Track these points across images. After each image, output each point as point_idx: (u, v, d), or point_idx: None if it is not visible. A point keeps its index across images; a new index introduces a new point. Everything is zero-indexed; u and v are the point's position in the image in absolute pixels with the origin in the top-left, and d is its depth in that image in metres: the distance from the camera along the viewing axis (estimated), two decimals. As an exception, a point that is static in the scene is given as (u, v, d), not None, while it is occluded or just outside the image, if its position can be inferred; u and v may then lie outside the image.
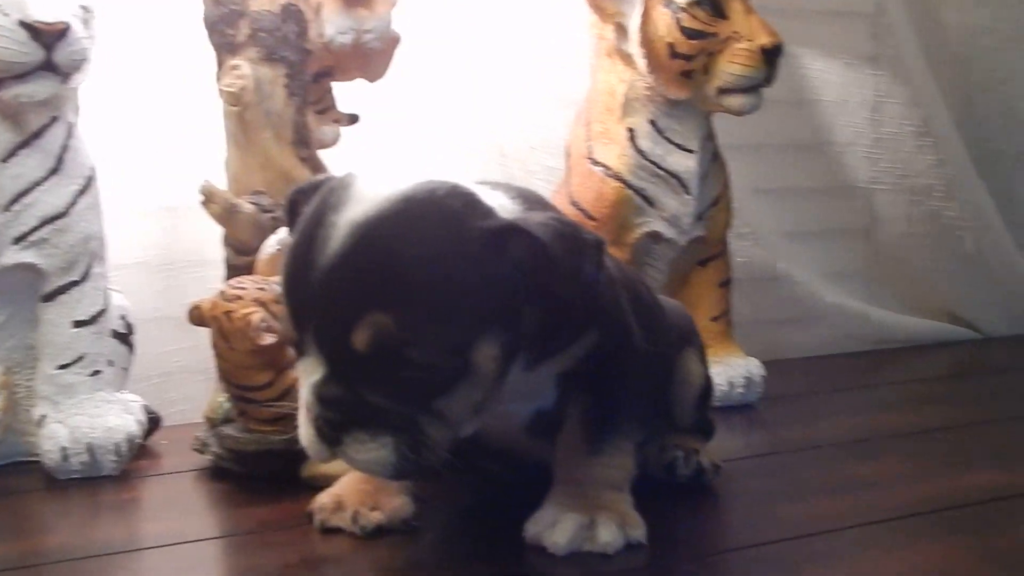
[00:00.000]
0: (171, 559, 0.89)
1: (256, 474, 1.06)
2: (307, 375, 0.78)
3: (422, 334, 0.73)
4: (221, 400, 1.12)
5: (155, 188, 1.41)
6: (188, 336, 1.41)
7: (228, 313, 1.02)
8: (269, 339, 1.02)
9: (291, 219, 0.83)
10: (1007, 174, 1.88)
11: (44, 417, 1.12)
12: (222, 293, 1.04)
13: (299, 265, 0.76)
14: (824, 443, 1.20)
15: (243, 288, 1.04)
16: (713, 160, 1.36)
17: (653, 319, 0.95)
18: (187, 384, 1.43)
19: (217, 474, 1.10)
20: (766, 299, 1.67)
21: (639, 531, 0.87)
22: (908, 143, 1.76)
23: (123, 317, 1.22)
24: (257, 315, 1.01)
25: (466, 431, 0.80)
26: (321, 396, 0.76)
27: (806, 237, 1.77)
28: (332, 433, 0.77)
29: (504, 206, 0.80)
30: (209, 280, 1.42)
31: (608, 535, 0.85)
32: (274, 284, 1.05)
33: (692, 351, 1.04)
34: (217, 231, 1.30)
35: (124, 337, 1.22)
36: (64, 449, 1.09)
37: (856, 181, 1.79)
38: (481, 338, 0.75)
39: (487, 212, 0.77)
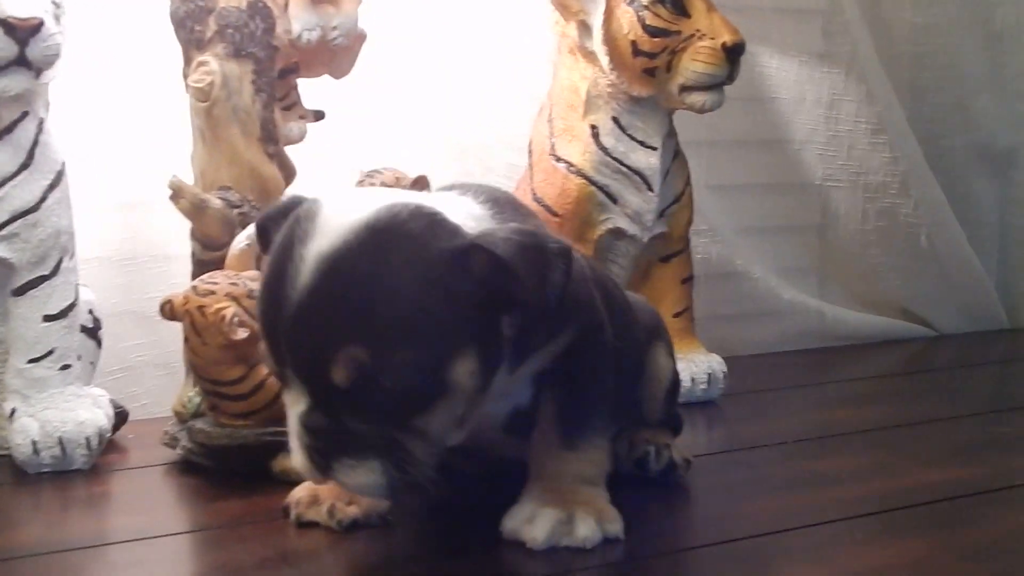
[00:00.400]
0: (145, 553, 0.90)
1: (228, 468, 1.07)
2: (292, 405, 0.80)
3: (396, 362, 0.75)
4: (191, 395, 1.13)
5: (117, 183, 1.41)
6: (150, 331, 1.42)
7: (201, 308, 1.03)
8: (242, 334, 1.02)
9: (263, 244, 0.85)
10: (959, 171, 1.91)
11: (15, 411, 1.12)
12: (194, 288, 1.05)
13: (272, 301, 0.77)
14: (786, 439, 1.23)
15: (215, 283, 1.04)
16: (675, 157, 1.38)
17: (623, 315, 0.97)
18: (150, 378, 1.44)
19: (187, 468, 1.11)
20: (723, 295, 1.70)
21: (616, 526, 0.88)
22: (863, 140, 1.79)
23: (91, 311, 1.22)
24: (230, 310, 1.02)
25: (452, 442, 0.82)
26: (307, 426, 0.79)
27: (762, 233, 1.80)
28: (321, 460, 0.79)
29: (473, 214, 0.82)
30: (172, 275, 1.43)
31: (586, 530, 0.87)
32: (245, 279, 1.06)
33: (661, 346, 1.06)
34: (180, 226, 1.30)
35: (92, 332, 1.22)
36: (35, 443, 1.09)
37: (812, 178, 1.82)
38: (456, 356, 0.77)
39: (451, 231, 0.78)
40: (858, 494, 1.03)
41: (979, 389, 1.58)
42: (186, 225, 1.22)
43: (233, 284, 1.04)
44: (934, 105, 1.90)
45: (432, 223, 0.77)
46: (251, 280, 1.06)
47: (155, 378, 1.44)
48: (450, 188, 0.87)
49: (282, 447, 1.05)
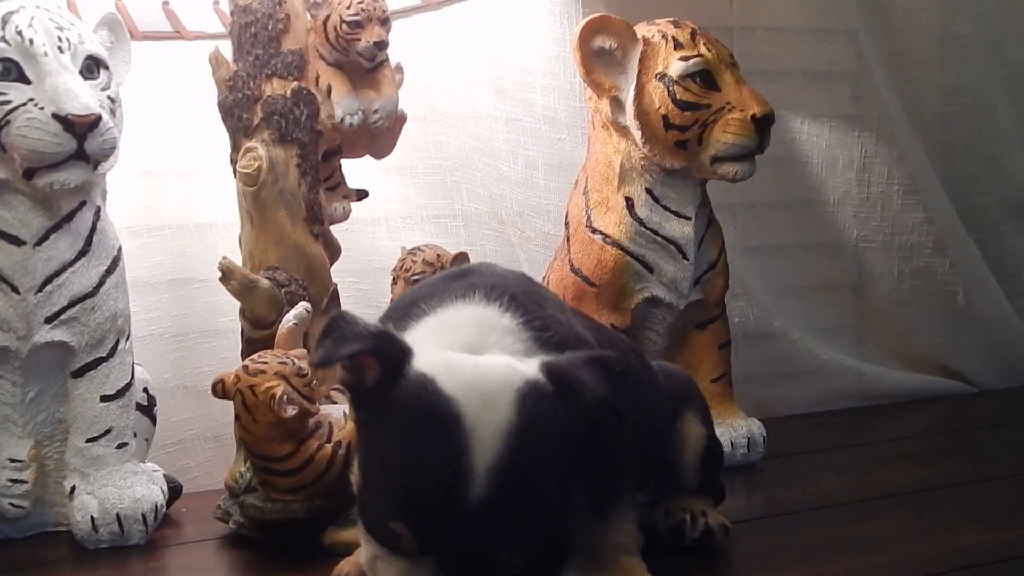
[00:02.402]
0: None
1: (279, 542, 1.10)
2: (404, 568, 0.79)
3: (554, 532, 0.79)
4: (242, 470, 1.16)
5: (169, 263, 1.46)
6: (201, 405, 1.47)
7: (252, 387, 1.07)
8: (291, 412, 1.06)
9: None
10: (993, 228, 1.93)
11: (74, 488, 1.16)
12: (245, 368, 1.08)
13: (445, 506, 0.75)
14: (825, 503, 1.24)
15: (265, 363, 1.08)
16: (709, 225, 1.41)
17: (646, 383, 0.99)
18: (201, 451, 1.48)
19: (240, 542, 1.14)
20: (760, 357, 1.71)
21: (656, 596, 0.91)
22: (896, 201, 1.81)
23: (145, 390, 1.26)
24: (280, 388, 1.06)
25: None
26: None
27: (798, 294, 1.82)
28: None
29: (509, 329, 0.84)
30: (221, 350, 1.48)
31: None
32: (294, 358, 1.09)
33: (692, 413, 1.08)
34: (228, 303, 1.35)
35: (147, 409, 1.26)
36: (94, 520, 1.13)
37: (846, 239, 1.84)
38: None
39: (561, 397, 0.79)
40: (897, 560, 1.04)
41: (1021, 447, 1.58)
42: (234, 302, 1.25)
43: (282, 363, 1.08)
44: (965, 164, 1.92)
45: (550, 402, 0.79)
46: (299, 358, 1.10)
47: (206, 451, 1.48)
48: (467, 280, 0.89)
49: (332, 520, 1.09)
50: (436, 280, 0.93)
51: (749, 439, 1.41)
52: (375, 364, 0.80)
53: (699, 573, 1.02)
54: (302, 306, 1.16)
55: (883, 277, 1.85)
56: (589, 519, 0.91)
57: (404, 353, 0.80)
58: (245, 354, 1.22)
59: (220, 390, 1.09)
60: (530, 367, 0.80)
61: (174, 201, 1.46)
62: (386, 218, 1.55)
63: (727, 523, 1.08)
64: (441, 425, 0.76)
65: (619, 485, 0.93)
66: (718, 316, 1.44)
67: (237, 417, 1.09)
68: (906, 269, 1.84)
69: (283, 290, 1.21)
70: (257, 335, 1.21)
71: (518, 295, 0.87)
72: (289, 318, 1.15)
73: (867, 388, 1.82)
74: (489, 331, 0.85)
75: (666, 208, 1.36)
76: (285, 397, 1.06)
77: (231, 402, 1.11)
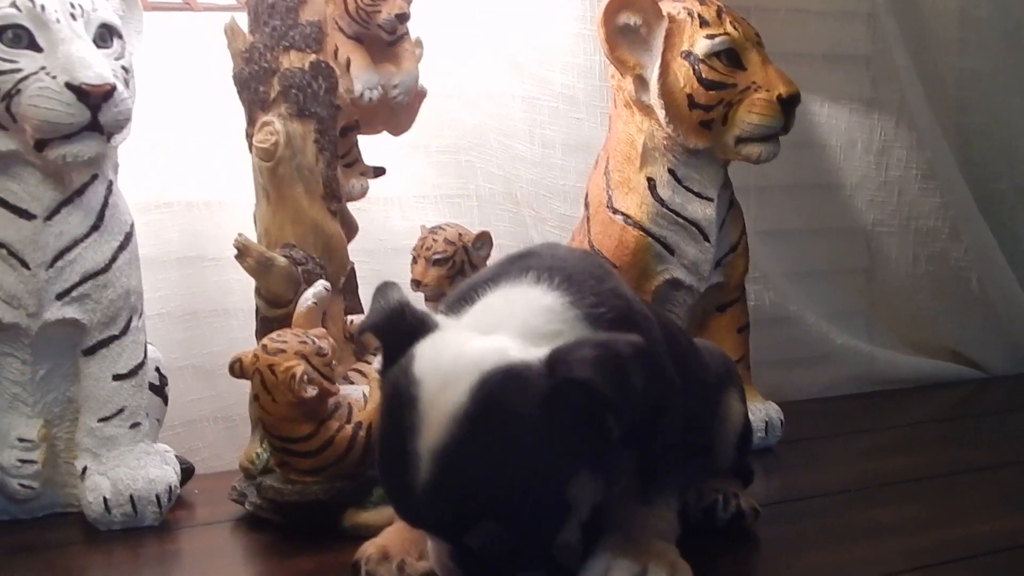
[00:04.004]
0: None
1: (297, 524, 1.08)
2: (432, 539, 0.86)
3: (521, 522, 0.78)
4: (259, 451, 1.14)
5: (178, 240, 1.44)
6: (211, 385, 1.44)
7: (271, 366, 1.04)
8: (312, 392, 1.03)
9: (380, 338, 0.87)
10: (1008, 214, 1.91)
11: (86, 469, 1.13)
12: (264, 347, 1.06)
13: (394, 476, 0.80)
14: (845, 488, 1.23)
15: (284, 342, 1.06)
16: (730, 207, 1.38)
17: (694, 366, 0.97)
18: (210, 432, 1.45)
19: (256, 524, 1.12)
20: (776, 341, 1.70)
21: (687, 578, 0.89)
22: (913, 186, 1.80)
23: (157, 369, 1.24)
24: (300, 368, 1.03)
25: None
26: (456, 562, 0.83)
27: (813, 278, 1.80)
28: None
29: (552, 309, 0.84)
30: (231, 330, 1.45)
31: None
32: (314, 337, 1.07)
33: (733, 391, 1.07)
34: (239, 281, 1.33)
35: (159, 389, 1.23)
36: (107, 501, 1.10)
37: (862, 223, 1.83)
38: (571, 481, 0.80)
39: (535, 380, 0.78)
40: (920, 544, 1.03)
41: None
42: (245, 280, 1.24)
43: (302, 342, 1.06)
44: (982, 149, 1.90)
45: (517, 386, 0.78)
46: (319, 338, 1.07)
47: (216, 432, 1.46)
48: (524, 262, 0.88)
49: (351, 502, 1.07)
50: (497, 263, 0.93)
51: (767, 423, 1.39)
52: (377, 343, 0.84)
53: (728, 555, 1.00)
54: (321, 284, 1.14)
55: (898, 262, 1.84)
56: (630, 500, 0.90)
57: (409, 333, 0.83)
58: (260, 333, 1.19)
59: (238, 369, 1.07)
60: (536, 351, 0.80)
61: (184, 177, 1.44)
62: (399, 197, 1.53)
63: (757, 506, 1.06)
64: (400, 406, 0.80)
65: (666, 471, 0.92)
66: (738, 299, 1.42)
67: (255, 397, 1.07)
68: (921, 254, 1.83)
69: (300, 268, 1.18)
70: (273, 314, 1.19)
71: (573, 274, 0.86)
72: (308, 297, 1.13)
73: (879, 373, 1.81)
74: (534, 311, 0.84)
75: (688, 189, 1.34)
76: (305, 377, 1.03)
77: (241, 383, 1.09)
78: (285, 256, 1.18)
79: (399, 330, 0.84)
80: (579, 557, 0.85)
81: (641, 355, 0.79)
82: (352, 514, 1.07)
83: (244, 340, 1.43)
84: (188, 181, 1.44)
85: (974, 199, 1.86)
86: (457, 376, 0.78)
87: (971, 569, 0.96)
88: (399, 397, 0.80)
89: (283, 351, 1.05)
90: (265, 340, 1.07)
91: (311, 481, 1.07)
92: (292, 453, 1.07)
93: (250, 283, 1.23)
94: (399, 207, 1.53)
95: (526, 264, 0.88)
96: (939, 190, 1.80)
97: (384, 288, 0.88)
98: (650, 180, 1.33)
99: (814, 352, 1.75)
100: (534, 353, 0.80)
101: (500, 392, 0.78)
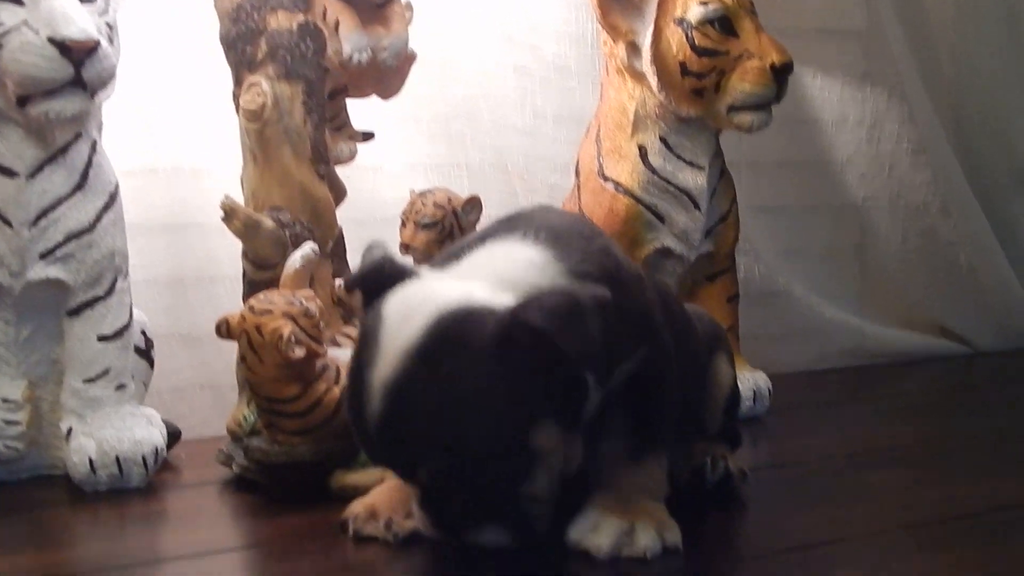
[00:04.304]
0: (207, 568, 0.90)
1: (284, 486, 1.07)
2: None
3: (478, 461, 0.79)
4: (246, 413, 1.13)
5: (163, 205, 1.42)
6: (197, 352, 1.43)
7: (258, 327, 1.03)
8: (299, 353, 1.03)
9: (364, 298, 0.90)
10: (997, 192, 1.91)
11: (71, 430, 1.12)
12: (251, 307, 1.05)
13: (356, 410, 0.83)
14: (832, 454, 1.23)
15: (272, 303, 1.05)
16: (721, 176, 1.38)
17: (684, 329, 0.97)
18: (196, 399, 1.44)
19: (243, 486, 1.11)
20: (765, 315, 1.70)
21: (675, 536, 0.89)
22: (904, 161, 1.79)
23: (143, 332, 1.23)
24: (287, 329, 1.02)
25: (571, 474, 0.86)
26: (424, 508, 0.86)
27: (803, 253, 1.80)
28: (447, 528, 0.86)
29: (534, 263, 0.84)
30: (217, 297, 1.44)
31: (647, 540, 0.87)
32: (301, 299, 1.06)
33: (722, 354, 1.06)
34: (227, 247, 1.31)
35: (144, 352, 1.22)
36: (92, 462, 1.10)
37: (853, 198, 1.82)
38: (533, 429, 0.80)
39: (491, 322, 0.79)
40: (910, 506, 1.03)
41: (1018, 406, 1.57)
42: (232, 246, 1.23)
43: (290, 303, 1.05)
44: (974, 126, 1.90)
45: (473, 325, 0.79)
46: (307, 299, 1.06)
47: (202, 399, 1.44)
48: (514, 221, 0.89)
49: (339, 464, 1.06)
50: (490, 223, 0.93)
51: (755, 391, 1.39)
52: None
53: (716, 516, 1.00)
54: (308, 246, 1.13)
55: (888, 237, 1.83)
56: (619, 457, 0.90)
57: (389, 283, 0.85)
58: (247, 296, 1.18)
59: (224, 330, 1.06)
60: (505, 298, 0.81)
61: (170, 142, 1.42)
62: (388, 166, 1.52)
63: (745, 469, 1.06)
64: (364, 342, 0.83)
65: (657, 430, 0.91)
66: (727, 268, 1.41)
67: (242, 358, 1.06)
68: (911, 230, 1.82)
69: (287, 231, 1.17)
70: (260, 277, 1.18)
71: (562, 233, 0.87)
72: (295, 259, 1.12)
73: (867, 347, 1.81)
74: (515, 264, 0.84)
75: (680, 157, 1.33)
76: (292, 338, 1.02)
77: (228, 350, 1.09)
78: (272, 219, 1.17)
79: (380, 281, 0.86)
80: (550, 513, 0.85)
81: (604, 309, 0.79)
82: (339, 475, 1.06)
83: (230, 306, 1.39)
84: (174, 146, 1.42)
85: (966, 176, 1.86)
86: (416, 313, 0.80)
87: (959, 530, 0.96)
88: (365, 334, 0.83)
89: (270, 311, 1.04)
90: (252, 301, 1.06)
91: (298, 442, 1.06)
92: (279, 414, 1.06)
93: (236, 250, 1.23)
94: (388, 176, 1.52)
95: (515, 223, 0.89)
96: (930, 166, 1.80)
97: (371, 247, 0.90)
98: (641, 148, 1.33)
99: (803, 326, 1.75)
100: (503, 299, 0.81)
101: (453, 329, 0.79)
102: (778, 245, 1.75)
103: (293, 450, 1.06)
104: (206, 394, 1.45)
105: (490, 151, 1.57)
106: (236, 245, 1.21)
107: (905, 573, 0.86)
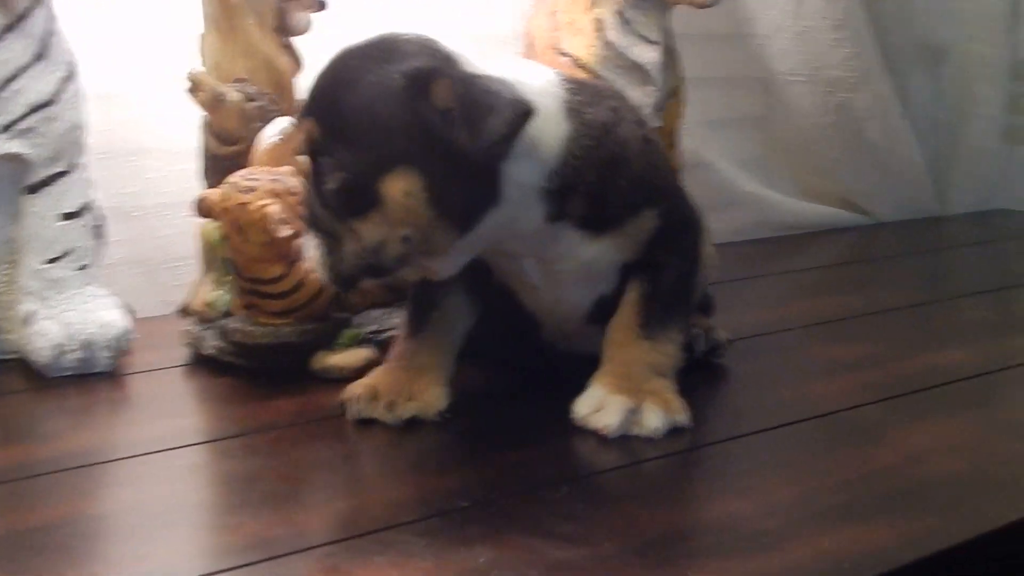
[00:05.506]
0: (204, 457, 0.89)
1: (265, 367, 1.05)
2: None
3: (335, 147, 0.82)
4: (220, 292, 1.10)
5: (92, 75, 1.35)
6: (126, 228, 1.38)
7: (243, 205, 1.00)
8: (286, 231, 1.00)
9: None
10: (902, 67, 1.96)
11: (33, 313, 1.07)
12: (234, 184, 1.02)
13: None
14: (788, 326, 1.26)
15: (256, 180, 1.02)
16: (670, 52, 1.38)
17: (691, 203, 0.98)
18: (126, 277, 1.39)
19: (217, 368, 1.07)
20: (691, 187, 1.71)
21: (683, 416, 0.91)
22: (826, 36, 1.82)
23: (98, 209, 1.17)
24: (274, 207, 1.00)
25: (419, 276, 0.89)
26: (305, 200, 0.88)
27: (725, 125, 1.82)
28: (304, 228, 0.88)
29: (548, 79, 0.88)
30: (146, 170, 1.38)
31: (655, 420, 0.89)
32: (284, 176, 1.03)
33: (705, 233, 1.07)
34: (156, 118, 1.27)
35: (98, 230, 1.17)
36: (58, 346, 1.05)
37: (775, 72, 1.84)
38: (392, 171, 0.80)
39: (435, 56, 0.82)
40: (881, 377, 1.07)
41: (926, 275, 1.65)
42: (161, 117, 1.22)
43: (274, 180, 1.02)
44: (885, 1, 1.93)
45: (421, 48, 0.82)
46: (289, 177, 1.03)
47: (132, 276, 1.39)
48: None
49: (321, 345, 1.05)
50: None
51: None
52: None
53: (703, 390, 1.01)
54: (286, 120, 1.09)
55: (806, 111, 1.86)
56: (630, 332, 0.91)
57: None
58: (209, 172, 1.15)
59: (204, 208, 1.03)
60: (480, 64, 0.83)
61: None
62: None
63: (731, 337, 1.09)
64: None
65: (673, 304, 0.93)
66: (673, 144, 1.42)
67: (224, 237, 1.03)
68: (829, 103, 1.85)
69: (254, 104, 1.13)
70: (224, 151, 1.14)
71: (586, 82, 0.94)
72: (271, 132, 1.08)
73: (780, 219, 1.85)
74: (525, 66, 0.91)
75: (635, 32, 1.32)
76: (280, 215, 1.00)
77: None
78: (238, 91, 1.13)
79: None
80: (353, 268, 0.85)
81: (520, 116, 0.80)
82: (321, 356, 1.05)
83: (159, 180, 1.38)
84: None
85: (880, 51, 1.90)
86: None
87: (932, 398, 1.01)
88: None
89: (254, 189, 1.01)
90: (234, 178, 1.03)
91: (282, 323, 1.05)
92: (263, 295, 1.04)
93: (167, 121, 1.22)
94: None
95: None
96: (849, 40, 1.83)
97: None
98: (598, 22, 1.31)
99: (723, 199, 1.78)
100: (475, 64, 0.83)
101: (407, 40, 0.83)
102: (701, 117, 1.76)
103: (277, 331, 1.05)
104: (136, 271, 1.40)
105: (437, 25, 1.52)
106: (166, 116, 1.18)
107: (907, 441, 0.90)
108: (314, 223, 0.86)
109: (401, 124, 0.80)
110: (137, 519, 0.76)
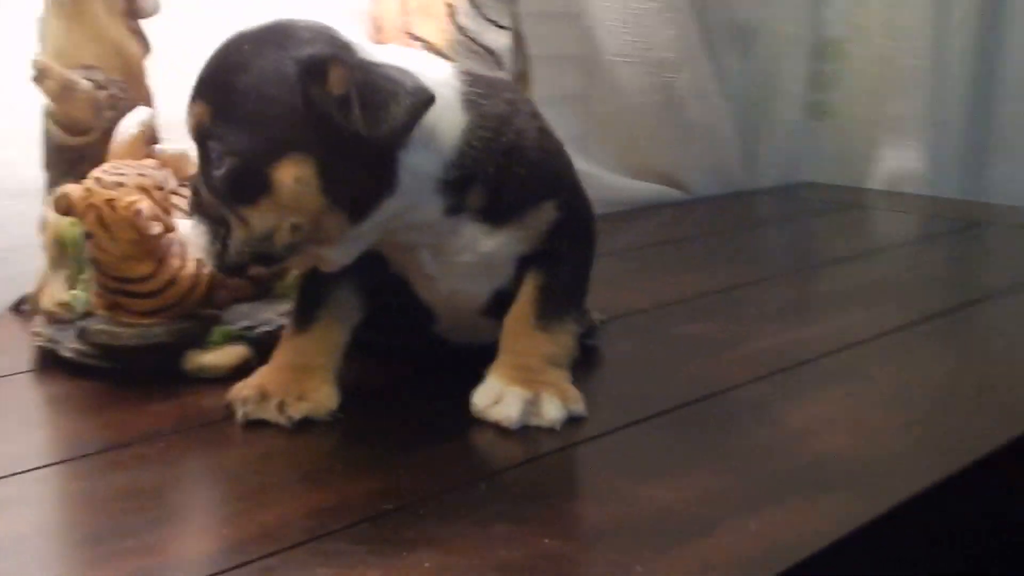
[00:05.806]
0: (90, 474, 0.83)
1: (133, 369, 1.00)
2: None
3: (225, 132, 0.80)
4: (75, 292, 1.04)
5: None
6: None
7: (110, 202, 0.95)
8: (157, 229, 0.96)
9: None
10: (718, 47, 2.02)
11: None
12: (98, 180, 0.96)
13: None
14: (640, 308, 1.27)
15: (122, 174, 0.96)
16: (516, 36, 1.38)
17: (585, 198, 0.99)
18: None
19: (75, 372, 1.00)
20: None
21: (580, 405, 0.91)
22: (652, 18, 1.86)
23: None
24: (144, 203, 0.95)
25: (308, 265, 0.88)
26: (191, 187, 0.86)
27: (555, 103, 1.83)
28: (189, 215, 0.87)
29: (443, 70, 0.87)
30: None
31: (554, 411, 0.89)
32: (151, 170, 0.98)
33: None
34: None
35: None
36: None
37: (602, 51, 1.87)
38: (285, 157, 0.79)
39: (332, 43, 0.81)
40: (751, 354, 1.10)
41: (758, 249, 1.70)
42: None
43: (142, 175, 0.97)
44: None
45: (318, 34, 0.81)
46: (155, 171, 0.99)
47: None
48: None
49: (192, 344, 1.01)
50: None
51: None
52: None
53: (587, 373, 1.02)
54: (146, 111, 1.04)
55: (632, 91, 1.89)
56: (526, 324, 0.92)
57: None
58: (55, 164, 1.08)
59: (64, 205, 0.97)
60: (375, 51, 0.83)
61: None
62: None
63: (603, 317, 1.11)
64: None
65: (568, 296, 0.93)
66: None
67: (88, 235, 0.97)
68: (653, 83, 1.89)
69: (104, 92, 1.07)
70: (73, 142, 1.08)
71: (482, 76, 0.92)
72: (131, 123, 1.03)
73: (602, 195, 1.87)
74: (423, 56, 0.91)
75: (486, 17, 1.32)
76: (151, 213, 0.95)
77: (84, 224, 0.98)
78: (87, 79, 1.07)
79: None
80: (242, 256, 0.83)
81: (421, 103, 0.79)
82: (193, 356, 1.01)
83: None
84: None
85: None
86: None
87: (804, 374, 1.04)
88: None
89: (122, 184, 0.96)
90: (98, 172, 0.97)
91: (151, 323, 1.00)
92: (130, 294, 0.99)
93: None
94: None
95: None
96: (673, 22, 1.87)
97: None
98: (450, 6, 1.30)
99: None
100: (372, 52, 0.83)
101: (305, 26, 0.82)
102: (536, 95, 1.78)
103: (147, 331, 1.00)
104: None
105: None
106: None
107: (793, 418, 0.93)
108: (201, 209, 0.84)
109: (294, 110, 0.79)
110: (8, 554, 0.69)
